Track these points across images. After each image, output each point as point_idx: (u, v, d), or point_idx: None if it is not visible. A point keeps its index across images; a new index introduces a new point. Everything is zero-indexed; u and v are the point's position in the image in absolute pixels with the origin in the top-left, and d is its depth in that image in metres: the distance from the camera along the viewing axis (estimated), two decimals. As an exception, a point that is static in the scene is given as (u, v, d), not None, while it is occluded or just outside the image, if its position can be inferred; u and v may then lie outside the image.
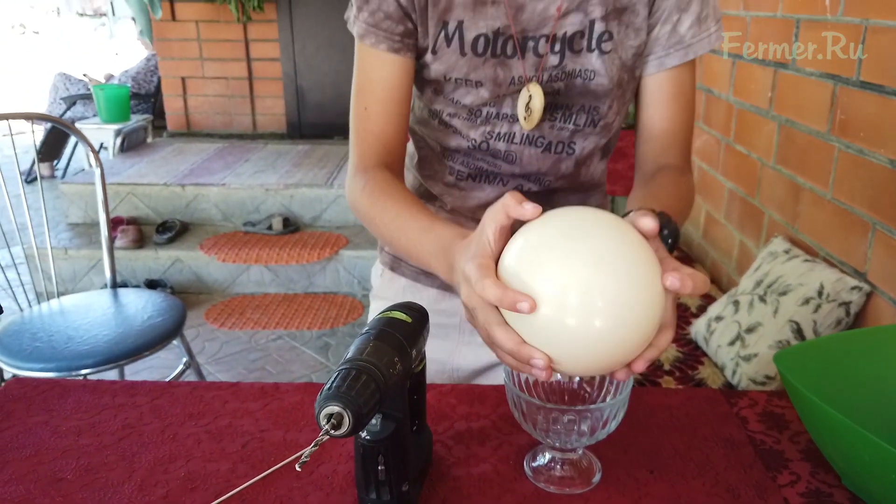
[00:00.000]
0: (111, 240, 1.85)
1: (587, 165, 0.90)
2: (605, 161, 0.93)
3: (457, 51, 0.80)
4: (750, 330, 1.48)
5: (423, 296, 0.97)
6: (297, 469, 0.57)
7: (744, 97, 2.00)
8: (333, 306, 3.03)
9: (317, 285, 3.18)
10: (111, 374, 1.77)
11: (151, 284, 3.09)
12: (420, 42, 0.82)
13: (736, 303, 1.58)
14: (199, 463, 0.70)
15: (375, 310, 1.04)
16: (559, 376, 0.72)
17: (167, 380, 1.65)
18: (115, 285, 1.87)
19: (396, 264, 1.01)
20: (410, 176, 0.98)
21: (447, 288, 0.96)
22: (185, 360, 1.89)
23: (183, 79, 4.58)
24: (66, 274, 3.18)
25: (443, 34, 0.80)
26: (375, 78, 0.84)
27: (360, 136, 0.85)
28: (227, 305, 3.05)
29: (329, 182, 3.42)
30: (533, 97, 0.81)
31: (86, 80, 5.27)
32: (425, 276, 0.97)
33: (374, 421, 0.59)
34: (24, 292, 1.88)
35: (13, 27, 12.81)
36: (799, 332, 1.38)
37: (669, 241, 0.64)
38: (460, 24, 0.79)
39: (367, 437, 0.59)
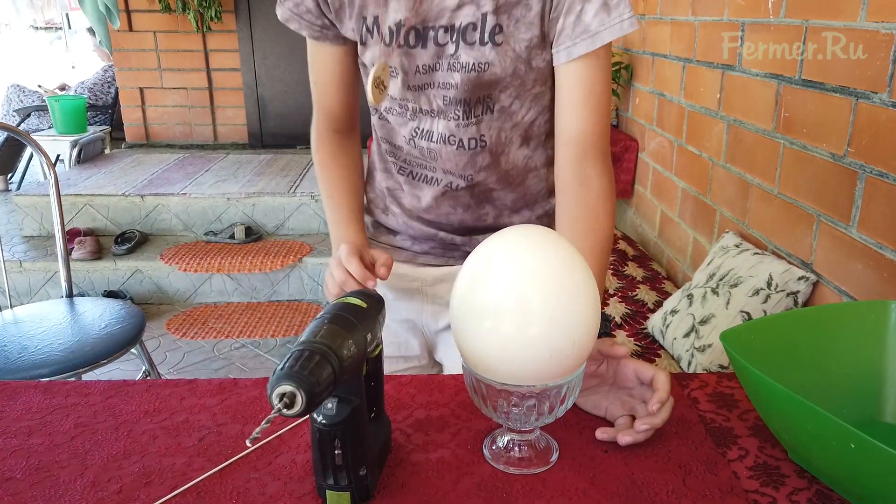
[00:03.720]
0: (67, 248, 1.81)
1: (505, 154, 0.94)
2: (529, 147, 0.96)
3: (378, 41, 0.88)
4: (704, 322, 1.52)
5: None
6: (248, 445, 0.57)
7: (694, 99, 2.06)
8: (298, 313, 3.01)
9: (280, 293, 3.16)
10: (67, 386, 1.72)
11: (110, 296, 3.02)
12: (348, 35, 0.92)
13: (690, 296, 1.63)
14: (155, 458, 0.70)
15: None
16: None
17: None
18: (72, 294, 1.83)
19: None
20: (374, 181, 1.07)
21: (411, 260, 1.06)
22: (144, 368, 1.86)
23: (141, 89, 4.51)
24: (21, 287, 3.10)
25: (364, 28, 0.88)
26: (315, 60, 0.97)
27: (315, 103, 1.01)
28: (188, 315, 3.00)
29: (292, 190, 3.41)
30: (383, 71, 0.88)
31: (40, 91, 5.15)
32: (395, 250, 1.07)
33: (329, 405, 0.59)
34: (-24, 305, 1.82)
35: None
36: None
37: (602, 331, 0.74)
38: (376, 18, 0.87)
39: (323, 421, 0.59)
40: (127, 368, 2.49)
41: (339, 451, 0.59)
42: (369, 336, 0.61)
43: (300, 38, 0.97)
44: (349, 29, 0.90)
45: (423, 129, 0.92)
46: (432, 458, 0.69)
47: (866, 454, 0.55)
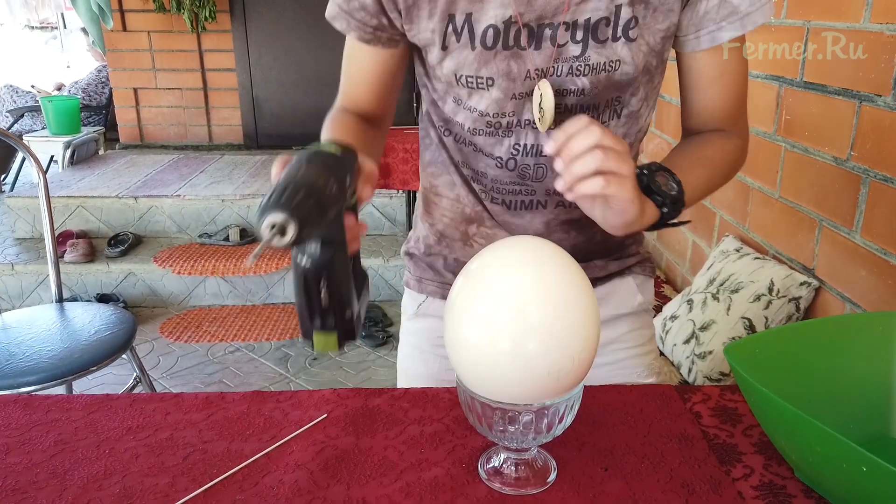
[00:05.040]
0: (57, 252, 1.78)
1: None
2: (638, 145, 0.88)
3: (467, 45, 0.75)
4: (704, 328, 1.49)
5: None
6: (248, 265, 0.57)
7: (695, 101, 2.04)
8: (293, 317, 2.98)
9: (275, 296, 3.13)
10: (58, 392, 1.70)
11: (103, 299, 2.99)
12: (419, 39, 0.78)
13: (690, 301, 1.60)
14: (136, 478, 0.67)
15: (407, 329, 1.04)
16: None
17: (115, 396, 1.59)
18: (62, 299, 1.80)
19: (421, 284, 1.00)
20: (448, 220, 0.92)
21: None
22: (135, 375, 1.83)
23: (135, 90, 4.47)
24: (12, 290, 3.07)
25: (451, 28, 0.75)
26: (353, 58, 0.85)
27: (341, 90, 0.89)
28: (182, 319, 2.97)
29: (287, 192, 3.38)
30: (544, 95, 0.75)
31: (34, 91, 5.12)
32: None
33: (313, 247, 0.59)
34: (-36, 310, 1.79)
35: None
36: (751, 328, 1.40)
37: (664, 208, 0.74)
38: (469, 17, 0.74)
39: (309, 263, 0.59)
40: (120, 373, 2.46)
41: (325, 291, 0.59)
42: (348, 180, 0.60)
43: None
44: (424, 31, 0.76)
45: (525, 145, 0.81)
46: (425, 478, 0.67)
47: (878, 478, 0.53)
